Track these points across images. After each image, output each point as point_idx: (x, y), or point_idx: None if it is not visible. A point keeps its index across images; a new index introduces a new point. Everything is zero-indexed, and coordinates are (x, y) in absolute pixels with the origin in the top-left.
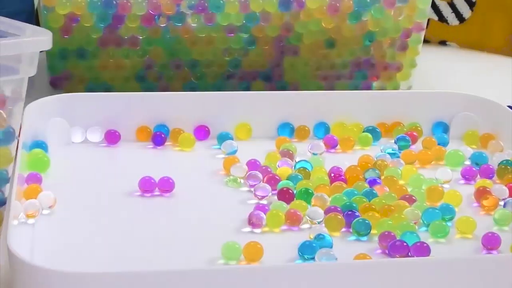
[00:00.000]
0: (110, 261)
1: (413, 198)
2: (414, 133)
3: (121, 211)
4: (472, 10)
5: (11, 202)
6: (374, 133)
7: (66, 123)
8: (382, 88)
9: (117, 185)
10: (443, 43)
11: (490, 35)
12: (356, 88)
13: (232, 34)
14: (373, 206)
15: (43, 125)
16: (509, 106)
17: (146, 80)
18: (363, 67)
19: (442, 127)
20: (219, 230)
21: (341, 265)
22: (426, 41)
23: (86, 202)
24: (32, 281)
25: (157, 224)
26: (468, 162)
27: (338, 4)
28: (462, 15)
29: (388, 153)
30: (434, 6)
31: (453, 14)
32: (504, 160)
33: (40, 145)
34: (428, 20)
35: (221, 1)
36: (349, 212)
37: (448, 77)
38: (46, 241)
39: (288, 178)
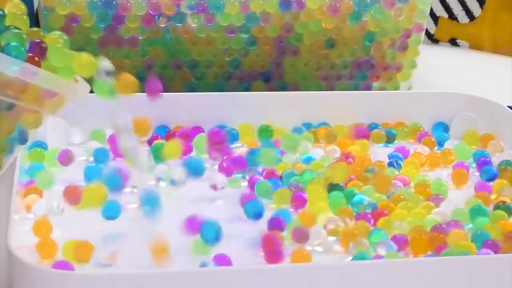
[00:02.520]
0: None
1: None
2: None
3: (121, 211)
4: (482, 8)
5: (11, 199)
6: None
7: (66, 123)
8: (382, 89)
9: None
10: (453, 41)
11: (500, 33)
12: (356, 88)
13: (232, 34)
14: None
15: (43, 125)
16: (509, 107)
17: (146, 80)
18: (363, 67)
19: (442, 128)
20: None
21: (341, 265)
22: (435, 41)
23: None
24: (32, 281)
25: (158, 224)
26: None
27: (338, 5)
28: (472, 12)
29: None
30: (444, 4)
31: (464, 11)
32: (504, 161)
33: (40, 145)
34: (437, 18)
35: (221, 1)
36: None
37: (448, 78)
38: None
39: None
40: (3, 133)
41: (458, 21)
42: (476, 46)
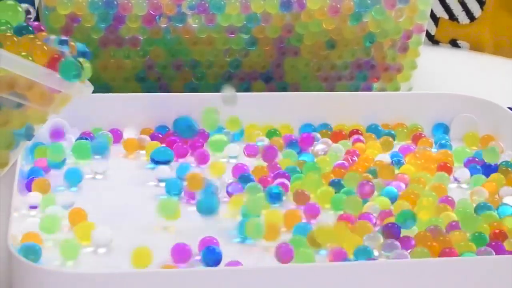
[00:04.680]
0: (110, 261)
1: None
2: (423, 134)
3: (120, 211)
4: (482, 9)
5: (12, 197)
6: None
7: (66, 123)
8: (382, 90)
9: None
10: (454, 42)
11: (501, 34)
12: (356, 89)
13: (233, 35)
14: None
15: (43, 125)
16: (509, 108)
17: (147, 80)
18: (363, 68)
19: (443, 129)
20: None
21: (342, 265)
22: (436, 42)
23: (85, 203)
24: (32, 281)
25: (158, 224)
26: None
27: (339, 5)
28: (472, 13)
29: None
30: (445, 4)
31: (464, 12)
32: (504, 161)
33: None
34: (438, 19)
35: (222, 2)
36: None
37: (448, 79)
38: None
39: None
40: (12, 129)
41: (458, 22)
42: (476, 47)
